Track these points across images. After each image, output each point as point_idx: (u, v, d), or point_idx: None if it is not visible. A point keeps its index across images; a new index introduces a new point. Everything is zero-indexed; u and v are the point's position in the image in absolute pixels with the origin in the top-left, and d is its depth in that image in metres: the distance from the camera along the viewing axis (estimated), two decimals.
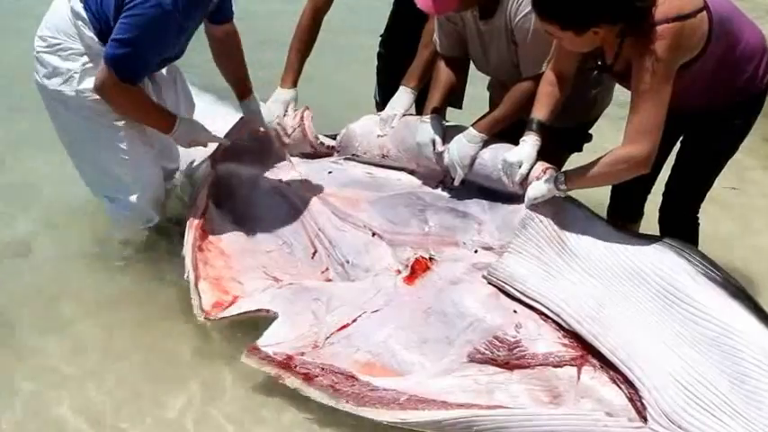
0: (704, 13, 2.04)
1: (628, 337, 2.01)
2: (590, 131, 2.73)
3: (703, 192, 2.50)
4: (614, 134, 2.29)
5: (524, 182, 2.30)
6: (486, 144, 2.44)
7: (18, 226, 3.11)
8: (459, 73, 2.68)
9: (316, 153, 2.94)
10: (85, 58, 2.51)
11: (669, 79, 2.03)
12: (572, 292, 2.14)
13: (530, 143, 2.29)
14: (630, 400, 1.96)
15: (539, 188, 2.25)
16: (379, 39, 3.25)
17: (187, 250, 2.56)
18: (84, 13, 2.45)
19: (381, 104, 3.06)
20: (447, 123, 2.62)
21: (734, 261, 2.89)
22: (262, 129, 2.85)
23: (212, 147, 2.84)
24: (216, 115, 3.02)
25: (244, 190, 2.85)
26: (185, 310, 2.51)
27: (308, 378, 2.17)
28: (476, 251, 2.39)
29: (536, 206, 2.27)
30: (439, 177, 2.61)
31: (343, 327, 2.33)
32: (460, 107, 3.07)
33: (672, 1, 1.99)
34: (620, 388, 1.98)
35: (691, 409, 1.86)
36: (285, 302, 2.42)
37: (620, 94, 2.43)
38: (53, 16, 2.55)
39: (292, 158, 2.91)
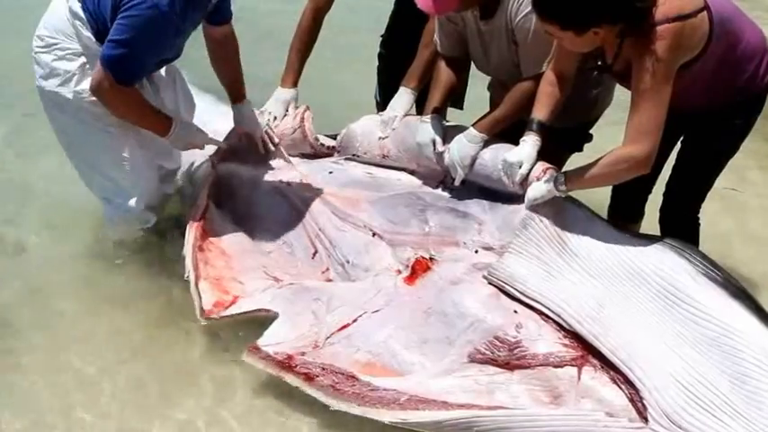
0: (705, 12, 2.04)
1: (628, 338, 2.01)
2: (590, 131, 2.72)
3: (704, 192, 2.50)
4: (615, 134, 2.29)
5: (524, 182, 2.30)
6: (486, 144, 2.44)
7: (18, 226, 3.11)
8: (460, 73, 2.67)
9: (316, 153, 2.93)
10: (83, 59, 2.51)
11: (669, 79, 2.03)
12: (572, 293, 2.14)
13: (530, 143, 2.29)
14: (631, 400, 1.96)
15: (538, 189, 2.24)
16: (380, 39, 3.25)
17: (188, 250, 2.56)
18: (82, 13, 2.45)
19: (382, 104, 3.06)
20: (447, 123, 2.62)
21: (734, 261, 2.89)
22: (254, 134, 2.85)
23: (210, 148, 2.84)
24: (216, 115, 3.02)
25: (244, 190, 2.85)
26: (185, 312, 2.51)
27: (308, 378, 2.17)
28: (476, 251, 2.39)
29: (536, 206, 2.26)
30: (439, 177, 2.61)
31: (344, 327, 2.33)
32: (461, 108, 3.07)
33: (672, 1, 1.99)
34: (621, 388, 1.98)
35: (691, 409, 1.86)
36: (285, 302, 2.42)
37: (621, 94, 2.43)
38: (51, 16, 2.55)
39: (293, 159, 2.91)
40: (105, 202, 2.80)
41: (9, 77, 4.01)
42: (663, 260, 2.09)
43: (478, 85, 2.93)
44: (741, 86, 2.26)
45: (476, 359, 2.15)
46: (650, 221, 2.64)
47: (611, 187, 2.62)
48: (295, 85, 2.92)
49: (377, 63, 3.28)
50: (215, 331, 2.49)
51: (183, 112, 2.83)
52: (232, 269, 2.59)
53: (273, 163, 2.91)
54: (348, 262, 2.56)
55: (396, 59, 3.02)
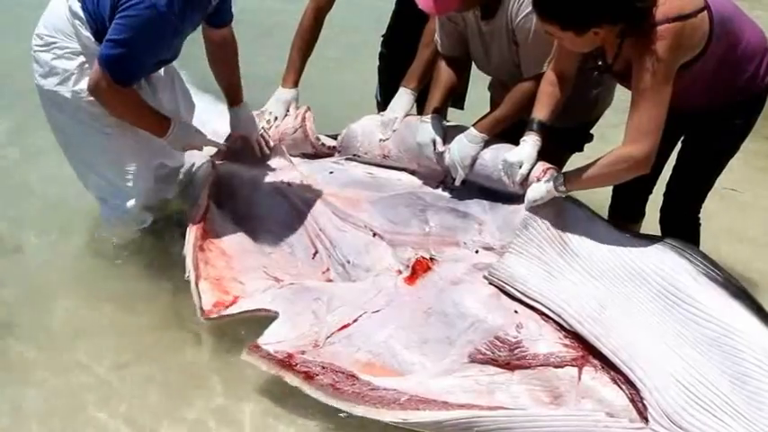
0: (705, 12, 2.04)
1: (629, 338, 2.01)
2: (591, 131, 2.72)
3: (704, 192, 2.50)
4: (615, 134, 2.29)
5: (525, 182, 2.30)
6: (486, 144, 2.44)
7: (18, 226, 3.10)
8: (461, 73, 2.67)
9: (316, 153, 2.93)
10: (82, 58, 2.51)
11: (669, 79, 2.03)
12: (573, 293, 2.14)
13: (530, 143, 2.29)
14: (632, 400, 1.96)
15: (538, 190, 2.24)
16: (381, 38, 3.25)
17: (188, 250, 2.56)
18: (81, 13, 2.44)
19: (383, 104, 3.06)
20: (448, 123, 2.62)
21: (734, 261, 2.89)
22: (250, 137, 2.85)
23: (210, 149, 2.84)
24: (215, 115, 3.02)
25: (245, 190, 2.85)
26: (187, 312, 2.51)
27: (308, 376, 2.16)
28: (477, 251, 2.39)
29: (537, 206, 2.26)
30: (439, 177, 2.61)
31: (344, 326, 2.33)
32: (462, 108, 3.07)
33: (672, 1, 1.99)
34: (622, 389, 1.98)
35: (692, 409, 1.86)
36: (286, 302, 2.41)
37: (621, 94, 2.43)
38: (51, 15, 2.54)
39: (293, 159, 2.91)
40: (102, 202, 2.80)
41: (9, 77, 4.00)
42: (663, 260, 2.09)
43: (479, 86, 2.93)
44: (741, 86, 2.26)
45: (476, 359, 2.15)
46: (650, 221, 2.64)
47: (611, 187, 2.62)
48: (296, 84, 2.92)
49: (378, 63, 3.28)
50: (223, 331, 2.49)
51: (182, 113, 2.82)
52: (232, 269, 2.59)
53: (274, 163, 2.90)
54: (348, 262, 2.56)
55: (397, 59, 3.02)
